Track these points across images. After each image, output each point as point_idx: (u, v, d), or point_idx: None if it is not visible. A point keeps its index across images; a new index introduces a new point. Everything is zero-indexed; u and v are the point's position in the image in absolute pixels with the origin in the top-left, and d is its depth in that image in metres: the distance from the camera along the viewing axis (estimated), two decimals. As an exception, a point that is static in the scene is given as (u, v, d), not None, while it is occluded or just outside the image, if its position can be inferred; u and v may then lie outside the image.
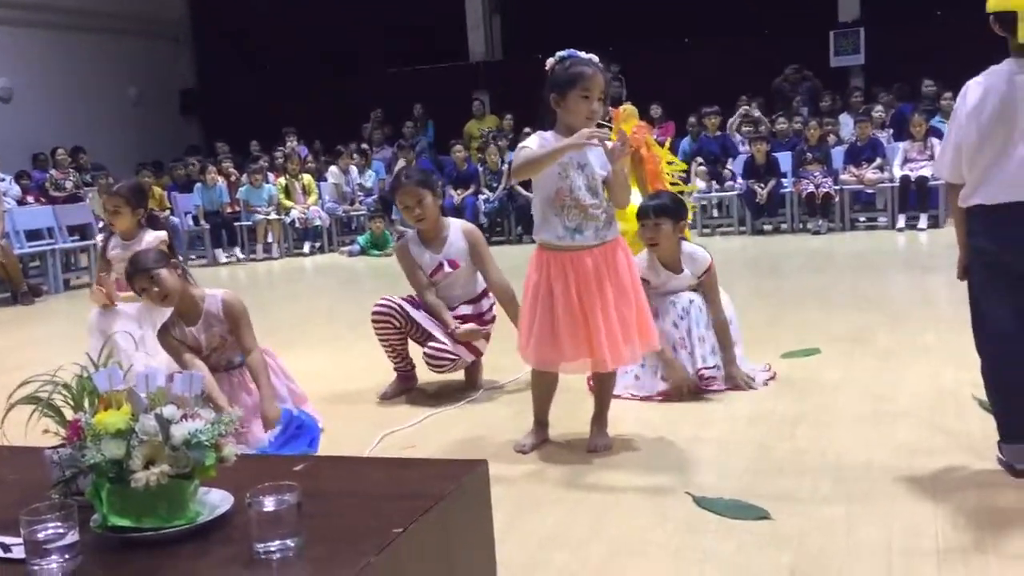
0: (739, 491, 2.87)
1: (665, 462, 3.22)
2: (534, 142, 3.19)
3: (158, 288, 3.51)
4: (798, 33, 13.78)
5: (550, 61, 3.23)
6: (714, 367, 3.96)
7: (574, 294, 3.18)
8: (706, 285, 4.06)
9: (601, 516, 2.78)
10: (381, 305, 4.27)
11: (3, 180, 11.25)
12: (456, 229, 4.29)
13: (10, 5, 14.35)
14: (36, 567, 1.46)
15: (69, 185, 11.93)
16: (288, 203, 12.05)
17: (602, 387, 3.43)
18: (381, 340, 4.33)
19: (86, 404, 1.69)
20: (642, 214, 4.00)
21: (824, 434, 3.41)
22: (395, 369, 4.40)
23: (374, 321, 4.28)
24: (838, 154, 10.78)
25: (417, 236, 4.30)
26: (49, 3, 14.89)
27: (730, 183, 10.96)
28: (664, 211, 3.97)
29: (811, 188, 10.33)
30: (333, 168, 12.68)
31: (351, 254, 11.38)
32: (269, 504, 1.49)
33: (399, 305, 4.24)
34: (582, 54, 3.21)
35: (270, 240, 11.78)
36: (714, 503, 2.77)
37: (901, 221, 10.09)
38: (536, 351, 3.26)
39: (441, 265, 4.21)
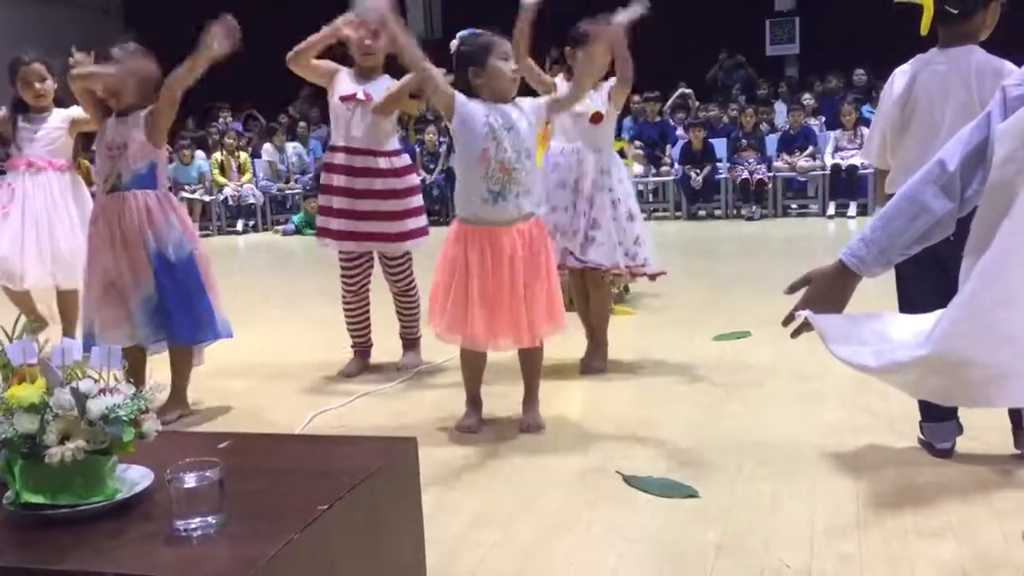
0: (668, 470, 2.90)
1: (596, 441, 3.24)
2: (450, 88, 3.22)
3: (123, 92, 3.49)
4: (735, 21, 13.92)
5: (454, 43, 3.30)
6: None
7: (490, 270, 3.18)
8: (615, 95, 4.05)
9: (531, 494, 2.79)
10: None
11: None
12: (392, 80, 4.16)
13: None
14: (-56, 545, 1.41)
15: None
16: (222, 180, 11.83)
17: (529, 366, 3.44)
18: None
19: (-1, 378, 1.63)
20: (579, 40, 3.84)
21: (752, 414, 3.47)
22: (353, 346, 4.36)
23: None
24: (772, 141, 10.95)
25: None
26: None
27: (666, 168, 11.07)
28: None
29: (745, 174, 10.48)
30: (267, 146, 12.47)
31: (286, 233, 11.23)
32: (190, 481, 1.46)
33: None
34: (479, 30, 3.28)
35: (193, 218, 11.53)
36: (643, 481, 2.80)
37: (831, 208, 10.29)
38: (455, 328, 3.25)
39: (354, 94, 4.09)
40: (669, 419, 3.45)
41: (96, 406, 1.49)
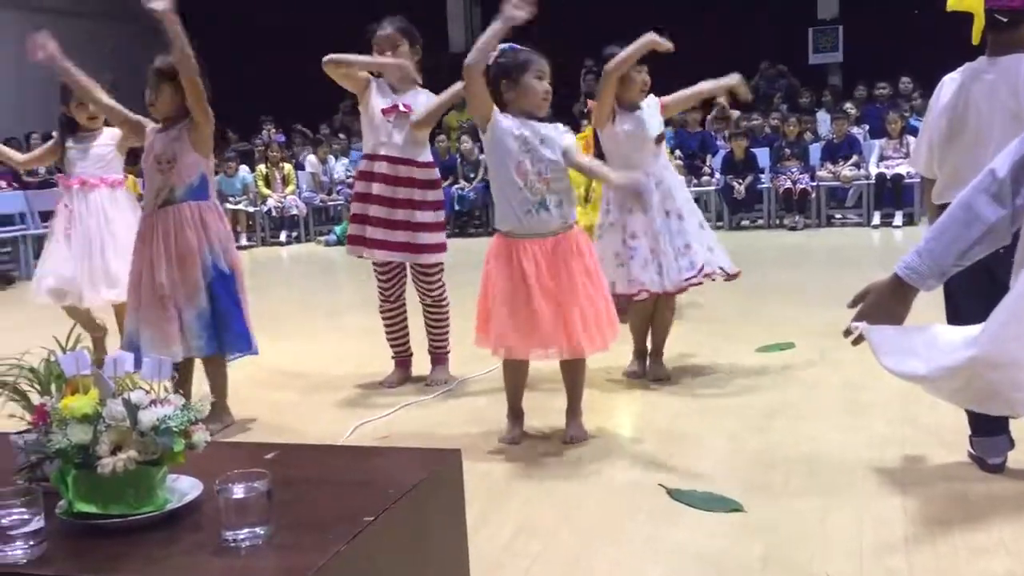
0: (712, 483, 2.87)
1: (639, 454, 3.23)
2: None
3: (159, 99, 3.53)
4: (777, 30, 13.83)
5: (492, 55, 3.29)
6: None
7: (534, 282, 3.18)
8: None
9: (574, 507, 2.78)
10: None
11: (-26, 165, 11.11)
12: (427, 93, 4.22)
13: (-17, -12, 14.17)
14: (0, 553, 1.43)
15: (42, 170, 11.75)
16: (266, 191, 11.98)
17: (573, 377, 3.43)
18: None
19: (53, 388, 1.66)
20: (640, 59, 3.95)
21: (798, 426, 3.42)
22: (394, 356, 4.38)
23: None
24: (815, 151, 10.84)
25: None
26: (25, -13, 14.71)
27: (707, 177, 11.00)
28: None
29: (788, 184, 10.38)
30: (311, 157, 12.60)
31: (328, 243, 11.32)
32: (238, 492, 1.47)
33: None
34: (516, 46, 3.28)
35: (239, 230, 11.69)
36: (687, 495, 2.78)
37: (876, 218, 10.16)
38: (502, 339, 3.25)
39: (396, 105, 4.13)
40: (713, 432, 3.42)
41: (147, 417, 1.51)
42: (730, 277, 4.15)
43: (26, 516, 1.44)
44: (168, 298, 3.52)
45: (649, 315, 4.16)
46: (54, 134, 4.94)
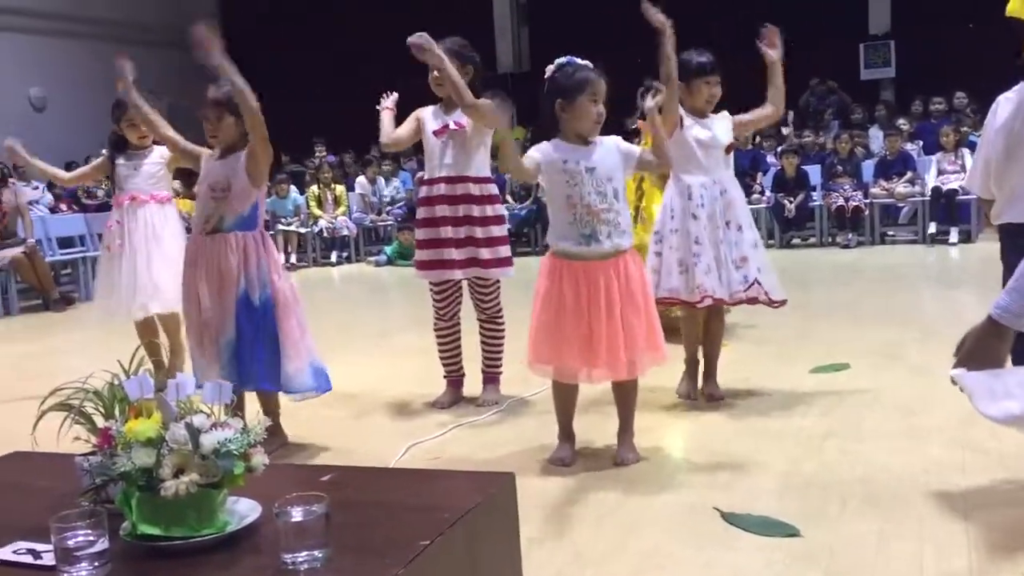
0: (768, 507, 2.84)
1: (693, 477, 3.20)
2: (532, 153, 3.28)
3: (221, 130, 3.57)
4: (827, 46, 13.70)
5: (550, 68, 3.29)
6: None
7: (586, 303, 3.18)
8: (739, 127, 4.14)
9: (628, 531, 2.76)
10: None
11: (36, 188, 11.39)
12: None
13: (45, 16, 14.57)
14: (66, 574, 1.47)
15: (100, 193, 12.06)
16: (318, 212, 12.14)
17: (624, 398, 3.41)
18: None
19: (116, 412, 1.70)
20: (708, 69, 3.95)
21: (854, 450, 3.37)
22: (446, 376, 4.40)
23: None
24: (868, 168, 10.71)
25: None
26: (83, 15, 15.11)
27: (757, 195, 10.91)
28: (716, 68, 3.99)
29: (841, 201, 10.26)
30: (361, 178, 12.75)
31: (378, 264, 11.42)
32: (297, 515, 1.49)
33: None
34: (580, 60, 3.25)
35: (290, 250, 11.85)
36: (743, 519, 2.75)
37: (932, 227, 9.97)
38: (550, 360, 3.25)
39: (447, 125, 4.17)
40: (767, 454, 3.38)
41: (209, 440, 1.54)
42: (775, 304, 4.06)
43: (91, 538, 1.47)
44: (207, 324, 3.57)
45: (702, 323, 4.13)
46: (103, 152, 5.10)
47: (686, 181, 3.95)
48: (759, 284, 3.97)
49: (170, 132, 3.98)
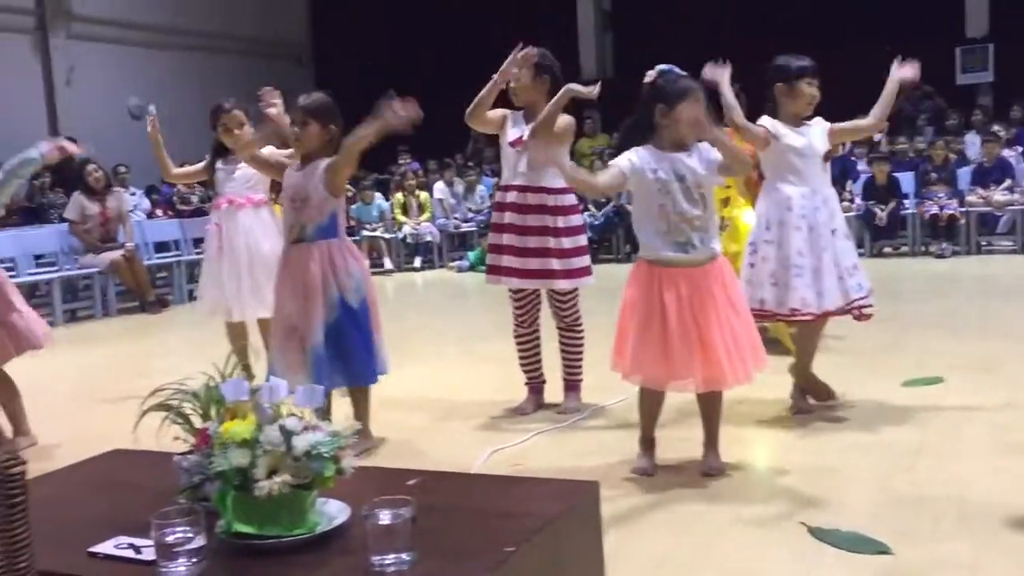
0: (856, 523, 2.77)
1: (779, 489, 3.14)
2: (629, 157, 3.24)
3: (304, 136, 3.65)
4: (922, 50, 13.32)
5: (651, 74, 3.28)
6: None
7: (688, 309, 3.15)
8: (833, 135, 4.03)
9: (712, 542, 2.73)
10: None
11: (134, 194, 11.80)
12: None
13: (143, 28, 15.10)
14: (164, 569, 1.52)
15: (195, 199, 12.44)
16: (402, 219, 12.31)
17: (710, 408, 3.38)
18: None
19: (213, 413, 1.76)
20: (810, 72, 3.89)
21: (947, 466, 3.27)
22: (527, 383, 4.42)
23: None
24: (964, 175, 10.37)
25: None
26: (179, 26, 15.61)
27: (847, 203, 10.66)
28: (816, 71, 3.93)
29: (935, 210, 9.96)
30: (439, 184, 12.90)
31: (460, 269, 11.52)
32: (385, 518, 1.52)
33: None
34: (678, 70, 3.25)
35: (374, 255, 12.03)
36: (830, 534, 2.69)
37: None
38: (638, 367, 3.24)
39: (522, 136, 4.18)
40: (856, 468, 3.30)
41: (301, 443, 1.58)
42: (862, 317, 3.96)
43: (189, 534, 1.52)
44: (295, 328, 3.65)
45: (819, 334, 4.02)
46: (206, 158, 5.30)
47: (784, 191, 3.87)
48: (872, 294, 3.90)
49: (258, 152, 4.05)
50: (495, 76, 4.16)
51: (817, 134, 3.92)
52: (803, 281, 3.77)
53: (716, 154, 3.26)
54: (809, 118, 3.95)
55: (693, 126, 3.15)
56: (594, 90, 4.04)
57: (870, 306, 3.92)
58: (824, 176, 3.97)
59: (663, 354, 3.17)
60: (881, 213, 10.19)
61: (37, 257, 9.51)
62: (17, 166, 4.35)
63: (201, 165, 5.38)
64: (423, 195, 12.62)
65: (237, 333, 5.09)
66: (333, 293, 3.62)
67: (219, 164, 5.14)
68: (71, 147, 4.49)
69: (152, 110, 5.56)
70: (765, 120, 3.91)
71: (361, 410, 3.78)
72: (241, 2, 16.77)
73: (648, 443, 3.43)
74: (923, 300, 7.42)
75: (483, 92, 4.16)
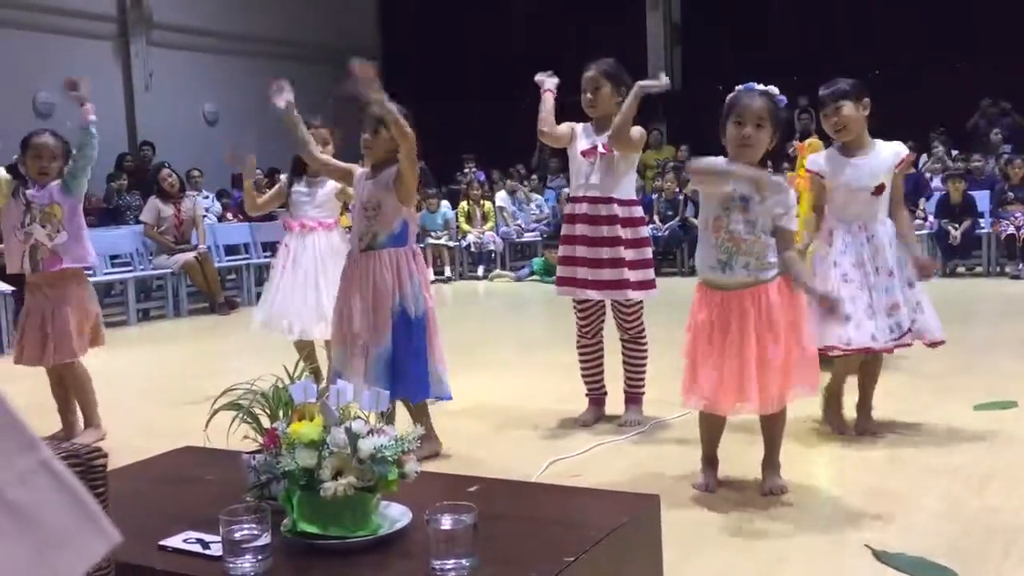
0: (923, 548, 2.71)
1: (843, 511, 3.09)
2: (718, 159, 3.21)
3: (375, 142, 3.68)
4: (998, 63, 12.99)
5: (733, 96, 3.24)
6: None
7: (729, 334, 3.11)
8: (897, 178, 3.92)
9: (772, 562, 2.69)
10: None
11: (207, 198, 12.08)
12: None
13: (217, 35, 15.47)
14: (231, 564, 1.55)
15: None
16: (467, 228, 12.40)
17: (771, 427, 3.32)
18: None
19: (281, 414, 1.79)
20: (821, 105, 3.87)
21: (1019, 492, 3.18)
22: (588, 393, 4.42)
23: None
24: (1043, 195, 10.08)
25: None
26: (251, 34, 15.95)
27: (919, 222, 10.44)
28: (843, 94, 3.83)
29: (1011, 229, 9.70)
30: (501, 193, 12.97)
31: (519, 278, 11.55)
32: (447, 523, 1.54)
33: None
34: (758, 86, 3.20)
35: (439, 263, 12.12)
36: (896, 559, 2.63)
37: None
38: (696, 391, 3.20)
39: (595, 146, 4.19)
40: (924, 492, 3.23)
41: (366, 446, 1.61)
42: (933, 344, 3.89)
43: (256, 532, 1.56)
44: (359, 336, 3.66)
45: (855, 365, 3.97)
46: (281, 177, 5.27)
47: (829, 225, 3.89)
48: (911, 332, 3.81)
49: (318, 155, 4.09)
50: (538, 81, 4.30)
51: (872, 165, 3.84)
52: (877, 315, 3.74)
53: (779, 211, 3.16)
54: (888, 138, 3.88)
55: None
56: (663, 80, 4.02)
57: (907, 345, 3.85)
58: (871, 209, 3.85)
59: (720, 378, 3.12)
60: (955, 232, 9.96)
61: (113, 257, 9.79)
62: (79, 147, 4.38)
63: (276, 189, 5.32)
64: (487, 204, 12.70)
65: (307, 354, 5.07)
66: (396, 302, 3.65)
67: (298, 185, 5.12)
68: (81, 85, 4.39)
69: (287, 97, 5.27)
70: (813, 161, 3.89)
71: (421, 416, 3.79)
72: (312, 9, 17.08)
73: (709, 461, 3.40)
74: (996, 322, 7.22)
75: (545, 108, 4.25)
